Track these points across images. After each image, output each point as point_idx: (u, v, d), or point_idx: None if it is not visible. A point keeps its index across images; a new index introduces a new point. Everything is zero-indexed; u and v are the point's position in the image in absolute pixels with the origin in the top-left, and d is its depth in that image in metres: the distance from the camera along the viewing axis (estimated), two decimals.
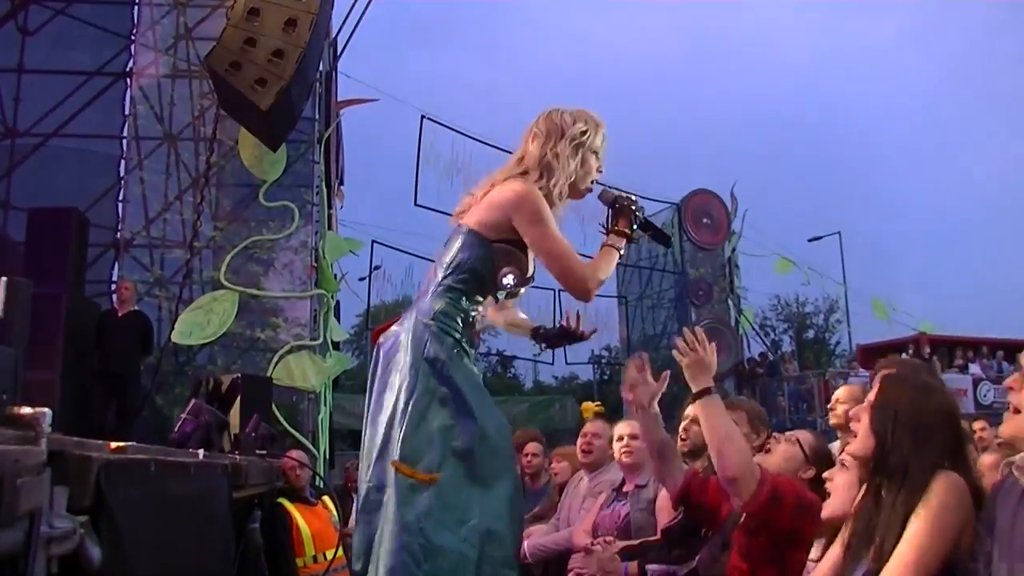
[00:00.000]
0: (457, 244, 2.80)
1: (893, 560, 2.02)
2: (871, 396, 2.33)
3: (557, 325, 3.18)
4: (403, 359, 2.66)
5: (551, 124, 2.88)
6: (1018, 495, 1.95)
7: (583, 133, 2.88)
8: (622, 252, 2.93)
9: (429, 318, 2.71)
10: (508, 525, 2.61)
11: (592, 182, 2.96)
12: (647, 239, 3.16)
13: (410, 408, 2.58)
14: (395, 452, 2.55)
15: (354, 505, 2.65)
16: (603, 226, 2.98)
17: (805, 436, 3.03)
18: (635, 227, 2.96)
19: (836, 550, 2.34)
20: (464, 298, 2.78)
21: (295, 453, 6.02)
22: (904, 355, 15.78)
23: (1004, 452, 2.58)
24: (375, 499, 2.57)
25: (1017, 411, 1.99)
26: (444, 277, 2.78)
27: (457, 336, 2.73)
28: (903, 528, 2.06)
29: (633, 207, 2.95)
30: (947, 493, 2.05)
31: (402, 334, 2.72)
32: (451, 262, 2.78)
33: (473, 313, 2.83)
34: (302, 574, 5.25)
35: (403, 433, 2.56)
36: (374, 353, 2.82)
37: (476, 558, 2.50)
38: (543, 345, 3.23)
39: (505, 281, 2.80)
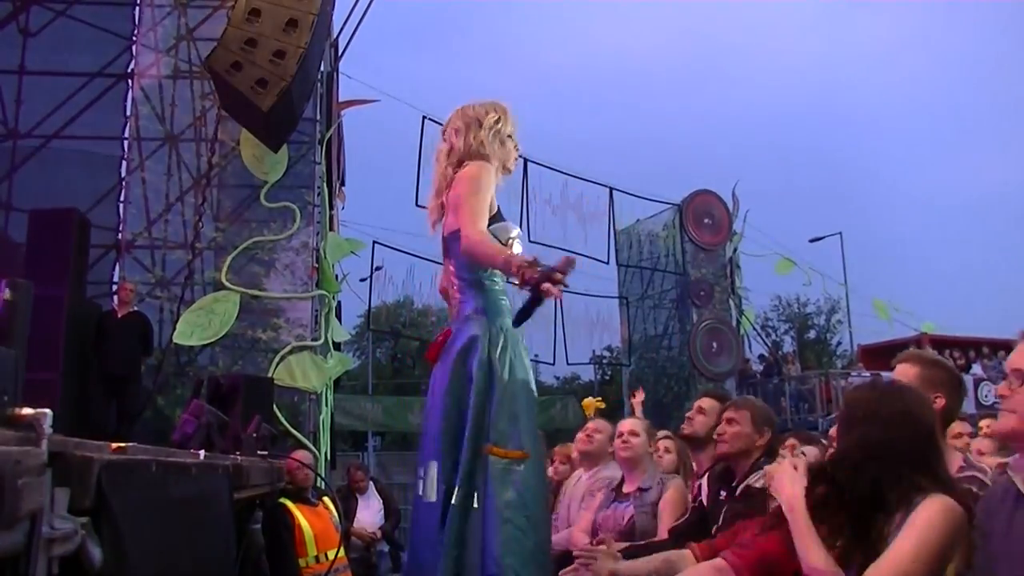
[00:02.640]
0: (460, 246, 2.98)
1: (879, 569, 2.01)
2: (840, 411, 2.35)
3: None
4: (473, 358, 2.90)
5: (467, 118, 3.15)
6: (1012, 499, 1.94)
7: (496, 121, 3.14)
8: (509, 278, 2.88)
9: (483, 315, 2.97)
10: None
11: (515, 159, 3.23)
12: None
13: (495, 398, 2.83)
14: (485, 438, 2.81)
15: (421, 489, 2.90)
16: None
17: (812, 452, 3.04)
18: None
19: None
20: (497, 285, 3.04)
21: (300, 454, 6.00)
22: None
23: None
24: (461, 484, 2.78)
25: (1012, 411, 2.00)
26: (472, 276, 3.03)
27: (508, 322, 2.98)
28: (880, 543, 2.06)
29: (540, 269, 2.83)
30: (934, 517, 2.03)
31: (463, 338, 2.95)
32: (466, 262, 3.01)
33: (505, 296, 3.08)
34: (304, 574, 5.24)
35: (491, 420, 2.81)
36: (433, 371, 3.03)
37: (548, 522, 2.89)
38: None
39: (516, 250, 3.03)
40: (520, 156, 3.31)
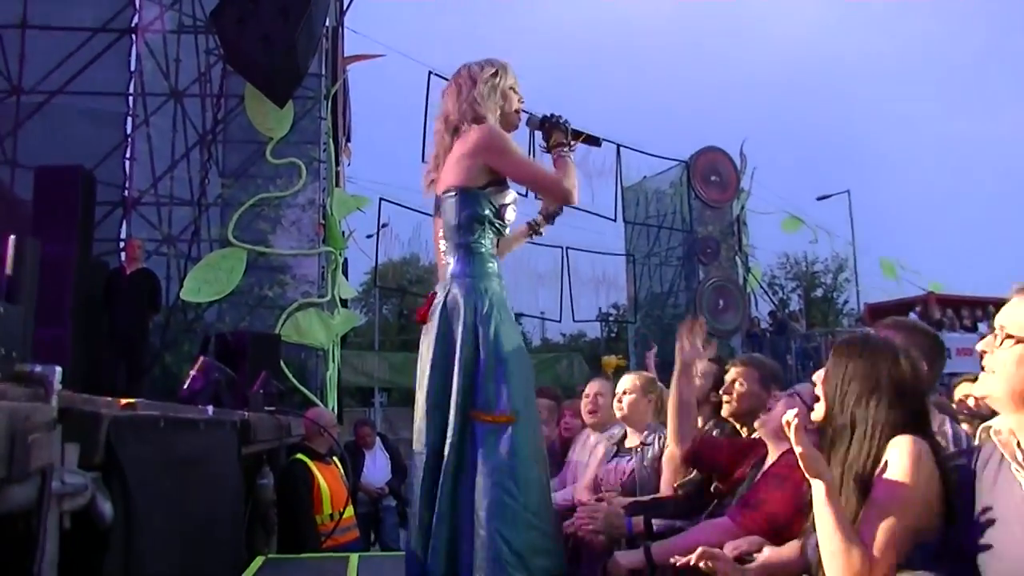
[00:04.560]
0: (454, 206, 2.99)
1: (866, 537, 2.01)
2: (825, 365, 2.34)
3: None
4: (457, 322, 2.87)
5: (460, 80, 3.14)
6: (997, 460, 1.96)
7: (494, 75, 3.11)
8: (570, 157, 3.14)
9: (470, 278, 2.93)
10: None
11: (518, 112, 3.20)
12: (581, 143, 3.36)
13: (481, 363, 2.81)
14: (471, 404, 2.80)
15: (417, 463, 2.90)
16: (543, 147, 3.23)
17: (804, 388, 3.02)
18: (568, 136, 3.18)
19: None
20: (484, 248, 2.99)
21: (319, 412, 5.98)
22: (912, 314, 15.80)
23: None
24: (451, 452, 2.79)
25: (991, 371, 1.99)
26: (459, 239, 2.98)
27: (495, 285, 2.96)
28: (853, 494, 2.07)
29: (560, 120, 3.18)
30: (901, 459, 2.03)
31: (448, 302, 2.93)
32: (457, 224, 2.98)
33: (497, 260, 3.06)
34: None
35: (478, 385, 2.80)
36: (422, 334, 3.01)
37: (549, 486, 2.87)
38: (544, 224, 3.48)
39: (509, 216, 3.04)
40: (525, 112, 3.25)
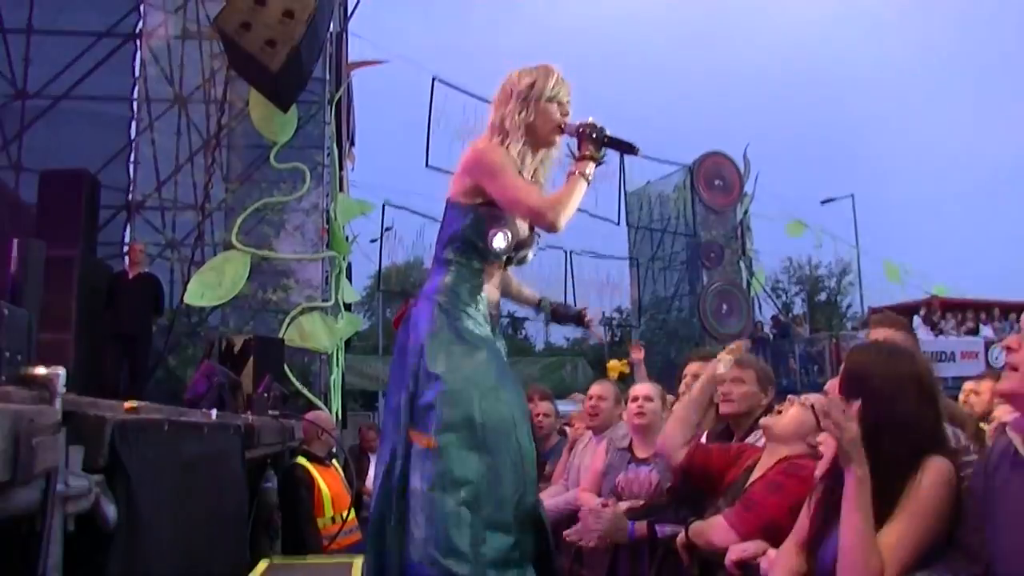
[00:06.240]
0: (446, 218, 2.93)
1: (884, 544, 2.02)
2: (841, 367, 2.33)
3: (573, 309, 3.36)
4: (414, 337, 2.81)
5: (504, 89, 2.95)
6: (1010, 460, 1.95)
7: (530, 86, 2.89)
8: (589, 176, 2.85)
9: (434, 293, 2.85)
10: (510, 489, 2.72)
11: (558, 126, 2.93)
12: (618, 155, 3.10)
13: (421, 382, 2.74)
14: (410, 421, 2.74)
15: (374, 471, 2.91)
16: (572, 155, 2.94)
17: (814, 397, 3.02)
18: (601, 148, 2.88)
19: (804, 520, 2.34)
20: (463, 268, 2.88)
21: (316, 415, 6.00)
22: (916, 317, 15.78)
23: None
24: (398, 467, 2.73)
25: (1015, 369, 1.99)
26: (442, 252, 2.91)
27: (463, 306, 2.85)
28: (877, 506, 2.06)
29: (594, 132, 2.88)
30: (937, 484, 2.04)
31: (411, 315, 2.88)
32: (444, 237, 2.92)
33: (478, 281, 2.90)
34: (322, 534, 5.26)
35: (417, 404, 2.73)
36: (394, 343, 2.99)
37: (470, 519, 2.61)
38: (550, 317, 3.40)
39: (495, 243, 2.85)
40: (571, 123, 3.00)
